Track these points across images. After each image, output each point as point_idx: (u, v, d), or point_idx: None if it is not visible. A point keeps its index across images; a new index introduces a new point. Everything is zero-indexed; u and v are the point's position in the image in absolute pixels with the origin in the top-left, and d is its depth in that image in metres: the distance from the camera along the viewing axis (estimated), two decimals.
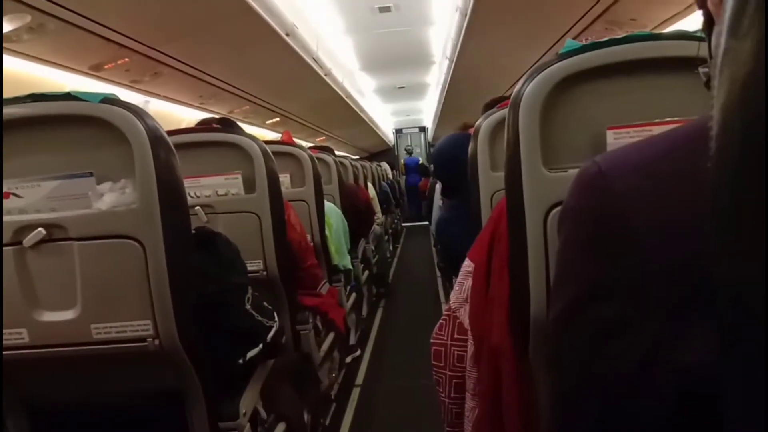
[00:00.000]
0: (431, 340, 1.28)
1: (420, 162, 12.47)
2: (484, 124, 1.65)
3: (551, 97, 0.97)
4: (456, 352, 1.25)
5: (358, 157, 10.30)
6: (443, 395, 1.28)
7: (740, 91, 0.31)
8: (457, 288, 1.27)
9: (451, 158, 2.23)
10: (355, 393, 3.15)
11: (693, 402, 0.37)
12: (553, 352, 0.50)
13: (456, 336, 1.25)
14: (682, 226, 0.39)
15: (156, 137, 1.17)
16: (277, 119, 6.00)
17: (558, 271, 0.49)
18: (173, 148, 1.23)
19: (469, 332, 1.22)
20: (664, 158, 0.42)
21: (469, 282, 1.24)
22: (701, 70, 0.48)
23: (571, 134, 0.98)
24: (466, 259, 1.26)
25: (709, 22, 0.44)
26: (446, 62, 5.73)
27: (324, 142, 8.63)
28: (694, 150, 0.37)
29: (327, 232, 2.69)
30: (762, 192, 0.30)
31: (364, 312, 4.34)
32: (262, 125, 6.03)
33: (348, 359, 3.40)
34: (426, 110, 12.27)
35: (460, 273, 1.27)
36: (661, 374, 0.39)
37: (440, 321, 1.29)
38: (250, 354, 1.31)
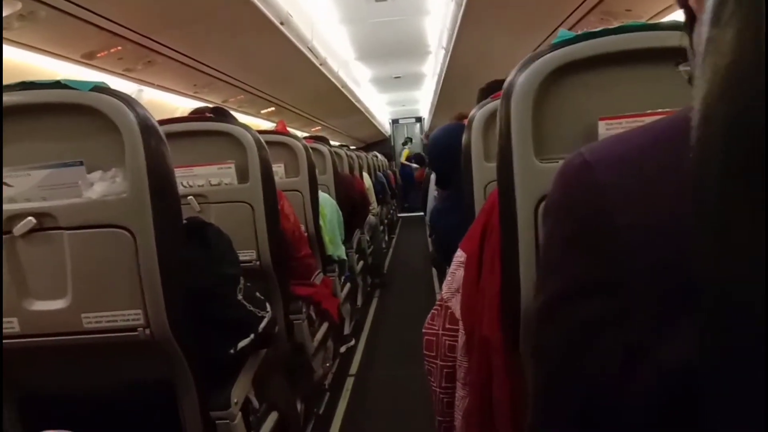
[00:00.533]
0: (423, 330, 1.29)
1: (406, 152, 12.61)
2: (478, 114, 1.64)
3: (543, 87, 0.96)
4: (447, 342, 1.25)
5: (354, 147, 10.28)
6: (434, 384, 1.28)
7: (722, 81, 0.31)
8: (449, 278, 1.27)
9: (444, 149, 2.23)
10: (349, 382, 3.16)
11: (677, 401, 0.37)
12: (535, 344, 0.50)
13: (447, 326, 1.25)
14: (668, 223, 0.38)
15: (146, 126, 1.16)
16: (272, 109, 5.98)
17: (543, 263, 0.49)
18: (164, 138, 1.22)
19: (461, 322, 1.22)
20: (649, 150, 0.41)
21: (461, 272, 1.24)
22: (682, 68, 0.48)
23: (564, 125, 0.98)
24: (458, 249, 1.26)
25: (691, 20, 0.44)
26: (442, 52, 5.71)
27: (319, 132, 8.61)
28: (677, 142, 0.37)
29: (321, 222, 2.68)
30: (747, 185, 0.30)
31: (359, 302, 4.35)
32: (257, 115, 6.01)
33: (342, 349, 3.41)
34: (422, 100, 12.25)
35: (452, 263, 1.27)
36: (645, 373, 0.38)
37: (432, 311, 1.29)
38: (242, 344, 1.31)
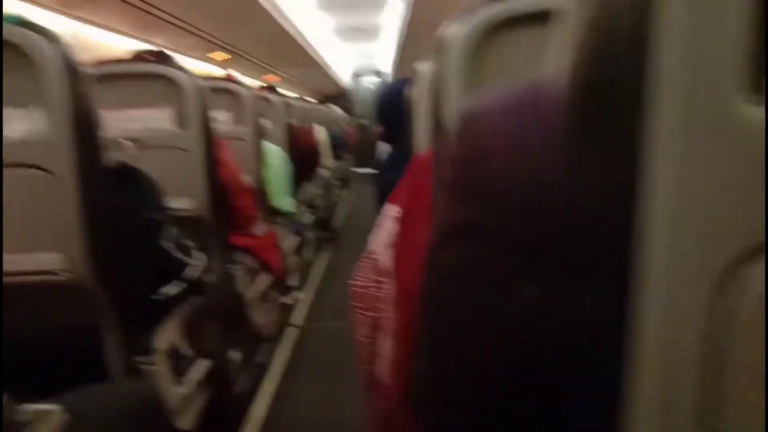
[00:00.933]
0: (351, 282, 1.30)
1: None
2: (424, 69, 1.62)
3: (479, 42, 0.95)
4: (375, 294, 1.27)
5: (315, 100, 10.11)
6: (361, 334, 1.30)
7: (591, 31, 0.31)
8: (380, 231, 1.28)
9: (390, 103, 2.21)
10: (293, 333, 3.18)
11: (541, 349, 0.38)
12: (421, 286, 0.51)
13: (376, 278, 1.26)
14: (537, 172, 0.39)
15: (68, 64, 1.11)
16: (226, 55, 5.81)
17: (433, 209, 0.50)
18: (88, 77, 1.17)
19: (389, 275, 1.24)
20: (530, 102, 0.42)
21: (391, 226, 1.25)
22: None
23: (499, 82, 0.97)
24: (390, 203, 1.27)
25: None
26: (402, 4, 5.63)
27: (275, 81, 8.43)
28: (557, 94, 0.37)
29: (266, 173, 2.65)
30: (609, 128, 0.31)
31: (308, 255, 4.36)
32: (209, 60, 5.83)
33: (288, 300, 3.42)
34: (385, 55, 12.09)
35: (384, 217, 1.28)
36: (510, 319, 0.40)
37: (362, 263, 1.30)
38: (167, 291, 1.29)
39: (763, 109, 0.24)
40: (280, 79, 9.05)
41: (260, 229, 2.37)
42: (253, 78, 7.38)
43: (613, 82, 0.28)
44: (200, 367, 1.55)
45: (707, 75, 0.24)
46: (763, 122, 0.24)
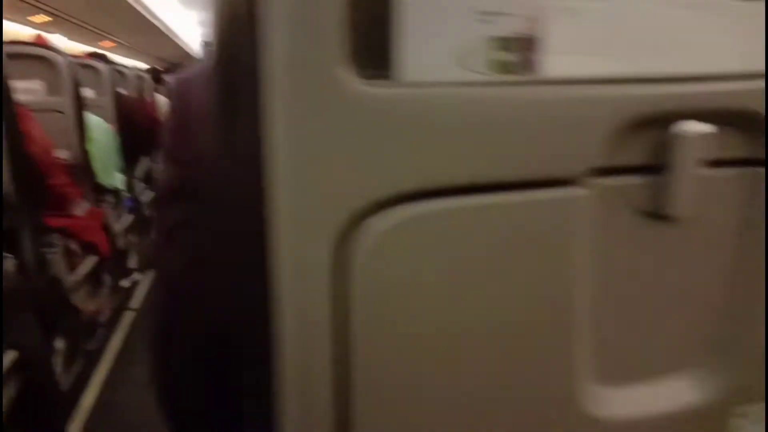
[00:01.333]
0: None
1: None
2: None
3: None
4: None
5: (162, 68, 9.48)
6: None
7: (220, 8, 0.33)
8: None
9: None
10: (130, 317, 3.02)
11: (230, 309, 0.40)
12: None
13: None
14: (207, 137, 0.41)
15: None
16: (47, 18, 5.27)
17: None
18: None
19: None
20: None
21: None
22: None
23: None
24: None
25: None
26: None
27: (112, 48, 7.83)
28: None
29: (90, 147, 2.46)
30: (239, 100, 0.33)
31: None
32: (29, 24, 5.26)
33: (126, 283, 3.24)
34: None
35: None
36: (205, 274, 0.41)
37: None
38: None
39: (368, 82, 0.27)
40: (115, 44, 8.38)
41: (82, 208, 2.20)
42: (87, 45, 6.78)
43: (237, 55, 0.30)
44: (6, 360, 1.43)
45: (311, 48, 0.26)
46: (368, 94, 0.26)
